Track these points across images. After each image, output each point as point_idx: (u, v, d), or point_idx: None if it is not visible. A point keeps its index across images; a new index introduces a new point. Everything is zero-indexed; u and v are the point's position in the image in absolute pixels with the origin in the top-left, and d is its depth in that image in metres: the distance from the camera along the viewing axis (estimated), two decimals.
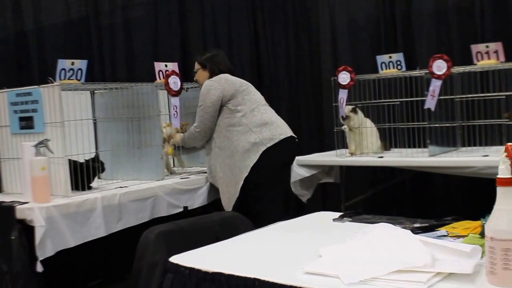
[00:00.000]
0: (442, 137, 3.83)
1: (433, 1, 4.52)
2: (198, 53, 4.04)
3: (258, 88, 3.86)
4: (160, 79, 3.82)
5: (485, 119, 3.84)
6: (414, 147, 3.88)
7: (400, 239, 1.58)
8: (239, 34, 5.50)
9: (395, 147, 4.10)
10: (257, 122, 3.59)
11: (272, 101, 4.00)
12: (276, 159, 3.59)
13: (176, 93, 3.63)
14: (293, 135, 3.72)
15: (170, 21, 5.13)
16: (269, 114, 3.69)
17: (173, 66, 3.89)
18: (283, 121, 3.75)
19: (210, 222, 2.26)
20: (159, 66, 3.87)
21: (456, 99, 3.94)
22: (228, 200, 3.61)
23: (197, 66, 3.86)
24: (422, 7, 4.57)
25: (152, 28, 4.99)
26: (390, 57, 4.07)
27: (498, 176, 1.30)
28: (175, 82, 3.63)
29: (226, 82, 3.66)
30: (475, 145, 3.86)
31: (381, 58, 4.09)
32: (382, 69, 4.08)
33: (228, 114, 3.62)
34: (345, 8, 4.97)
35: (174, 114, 3.59)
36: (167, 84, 3.60)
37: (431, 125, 3.68)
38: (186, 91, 4.05)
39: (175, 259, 1.70)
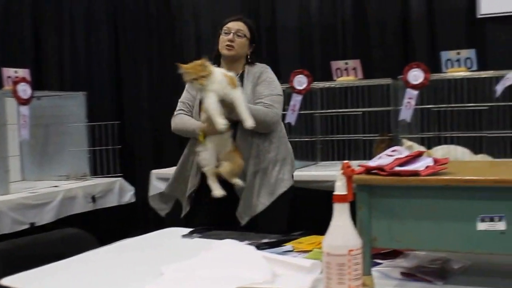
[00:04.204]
0: (302, 151, 3.89)
1: (296, 17, 4.61)
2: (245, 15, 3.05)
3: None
4: (8, 86, 3.56)
5: (343, 134, 3.96)
6: None
7: (243, 255, 1.58)
8: (99, 44, 5.22)
9: None
10: None
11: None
12: None
13: (26, 102, 3.40)
14: None
15: (22, 24, 4.82)
16: None
17: (23, 72, 3.64)
18: None
19: (52, 239, 2.13)
20: (8, 72, 3.61)
21: (316, 114, 4.02)
22: None
23: (244, 29, 2.83)
24: (286, 23, 4.65)
25: (2, 31, 4.67)
26: None
27: (334, 193, 1.28)
28: (24, 90, 3.40)
29: None
30: (333, 159, 3.96)
31: None
32: None
33: None
34: (210, 20, 4.90)
35: (22, 124, 3.36)
36: (15, 91, 3.35)
37: (291, 139, 3.72)
38: (38, 99, 3.81)
39: (7, 281, 1.57)
